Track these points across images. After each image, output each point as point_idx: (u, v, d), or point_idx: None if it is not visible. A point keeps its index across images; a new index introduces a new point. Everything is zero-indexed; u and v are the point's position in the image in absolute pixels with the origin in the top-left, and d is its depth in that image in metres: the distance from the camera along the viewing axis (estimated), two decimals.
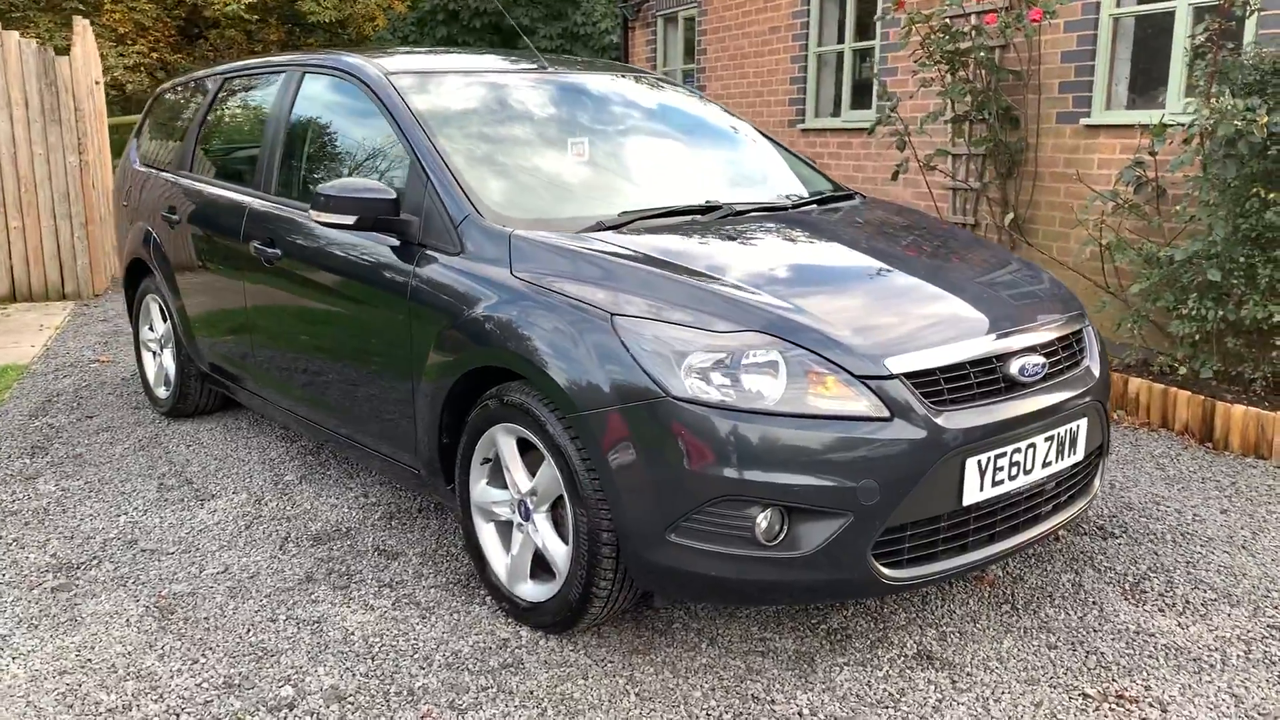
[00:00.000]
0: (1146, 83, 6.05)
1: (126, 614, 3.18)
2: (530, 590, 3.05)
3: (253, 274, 4.05)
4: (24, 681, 2.83)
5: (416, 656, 2.92)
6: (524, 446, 3.03)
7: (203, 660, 2.91)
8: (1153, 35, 5.94)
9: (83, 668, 2.89)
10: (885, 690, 2.74)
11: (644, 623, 3.09)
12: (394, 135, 3.57)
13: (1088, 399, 3.04)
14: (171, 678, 2.83)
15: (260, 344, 4.12)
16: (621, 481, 2.66)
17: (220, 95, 4.77)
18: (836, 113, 8.61)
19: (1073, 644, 2.96)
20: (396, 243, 3.37)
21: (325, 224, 3.34)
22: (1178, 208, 5.00)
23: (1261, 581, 3.32)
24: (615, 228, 3.24)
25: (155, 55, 17.31)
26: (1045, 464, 2.91)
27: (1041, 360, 2.89)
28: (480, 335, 3.00)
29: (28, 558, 3.58)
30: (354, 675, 2.83)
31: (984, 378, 2.78)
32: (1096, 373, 3.15)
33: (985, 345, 2.81)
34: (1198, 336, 4.97)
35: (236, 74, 4.74)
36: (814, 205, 3.82)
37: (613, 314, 2.75)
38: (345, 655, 2.93)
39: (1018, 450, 2.80)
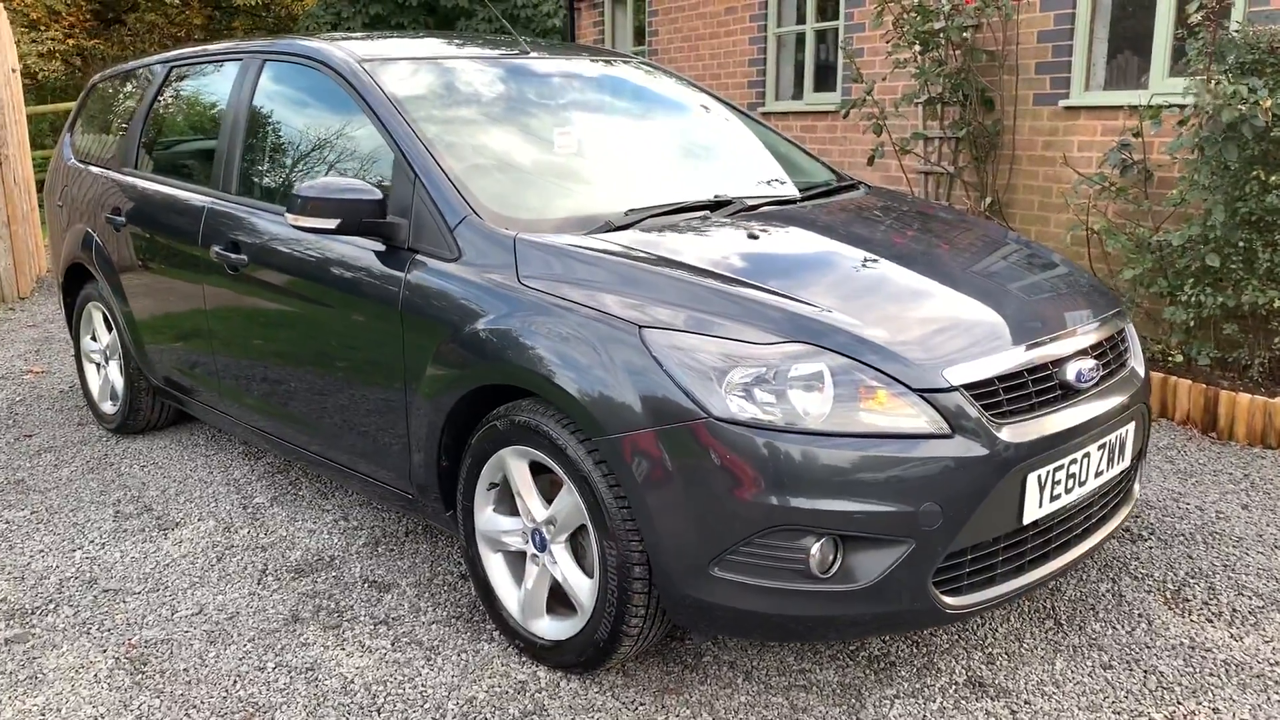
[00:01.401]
0: (1126, 63, 5.92)
1: (94, 668, 2.86)
2: (548, 627, 2.79)
3: (213, 281, 3.71)
4: None
5: (427, 707, 2.65)
6: (536, 469, 2.77)
7: None
8: (1132, 14, 5.81)
9: None
10: None
11: (671, 657, 2.85)
12: (372, 129, 3.26)
13: (1136, 403, 2.86)
14: None
15: (223, 357, 3.78)
16: (658, 511, 2.41)
17: (166, 86, 4.39)
18: (799, 95, 8.40)
19: (1128, 663, 2.79)
20: (382, 248, 3.07)
21: (304, 229, 3.02)
22: (1174, 190, 4.87)
23: None
24: (624, 227, 2.98)
25: (71, 41, 16.51)
26: (1098, 474, 2.73)
27: (1095, 364, 2.70)
28: (486, 350, 2.72)
29: None
30: None
31: (1041, 385, 2.58)
32: (1141, 373, 2.98)
33: (1042, 351, 2.61)
34: (1192, 323, 4.86)
35: (184, 62, 4.36)
36: (822, 197, 3.59)
37: (641, 325, 2.49)
38: (347, 709, 2.65)
39: (1074, 461, 2.61)
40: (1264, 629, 2.95)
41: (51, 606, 3.19)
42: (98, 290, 4.62)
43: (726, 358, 2.40)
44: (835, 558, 2.37)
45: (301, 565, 3.42)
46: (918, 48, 6.27)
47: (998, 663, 2.80)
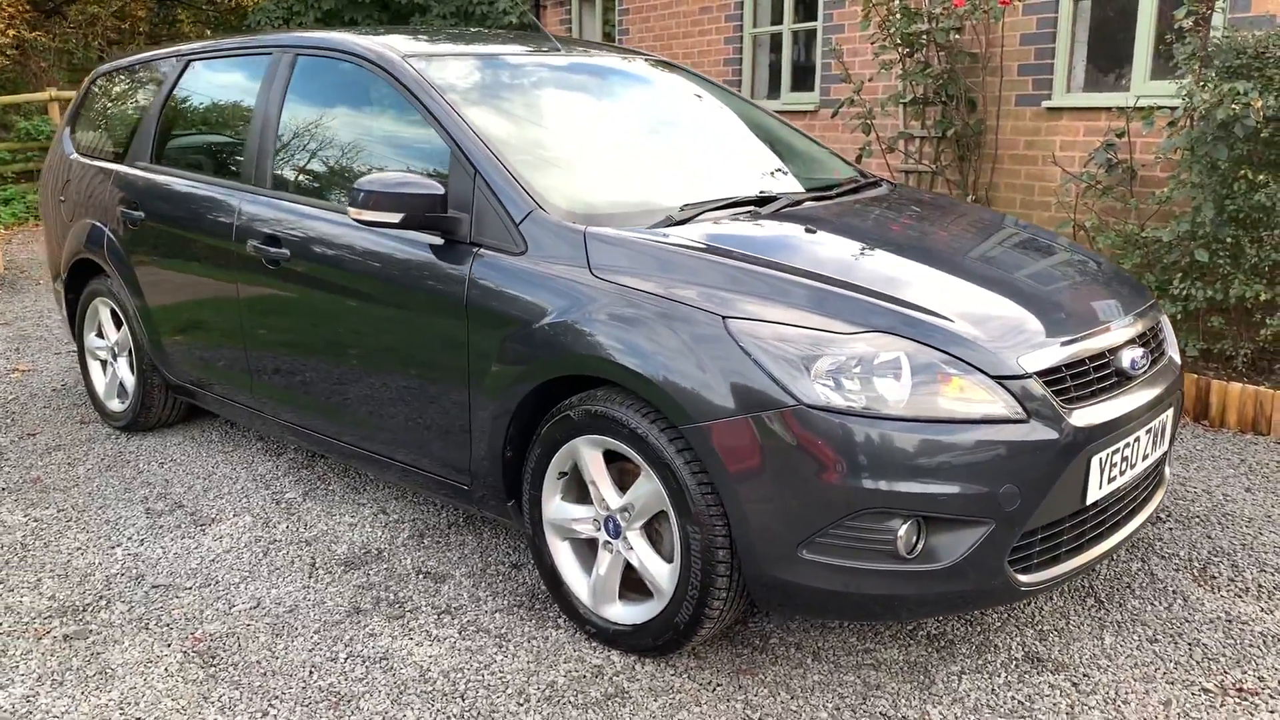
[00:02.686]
0: (1107, 65, 6.14)
1: (163, 661, 2.85)
2: (621, 612, 2.85)
3: (249, 275, 3.70)
4: None
5: (510, 692, 2.69)
6: (608, 457, 2.83)
7: (273, 712, 2.62)
8: (1112, 18, 6.03)
9: None
10: (1013, 698, 2.66)
11: (739, 640, 2.93)
12: (421, 124, 3.29)
13: (1175, 390, 3.01)
14: None
15: (258, 350, 3.77)
16: (746, 496, 2.49)
17: (183, 79, 4.34)
18: (775, 95, 8.53)
19: (1172, 636, 2.93)
20: (440, 241, 3.11)
21: (366, 222, 3.04)
22: (1164, 189, 5.07)
23: None
24: (682, 222, 3.05)
25: (12, 33, 16.05)
26: (1145, 457, 2.87)
27: (1144, 352, 2.84)
28: (562, 342, 2.78)
29: (22, 601, 3.19)
30: (448, 717, 2.59)
31: (1101, 373, 2.71)
32: (1177, 361, 3.13)
33: (1101, 340, 2.74)
34: (1180, 316, 5.06)
35: (202, 55, 4.32)
36: (852, 193, 3.69)
37: (725, 316, 2.56)
38: (431, 696, 2.68)
39: (1128, 445, 2.75)
40: None
41: (103, 603, 3.17)
42: (107, 285, 4.56)
43: (813, 346, 2.48)
44: (919, 539, 2.47)
45: (350, 558, 3.43)
46: (903, 49, 6.43)
47: (1050, 639, 2.93)
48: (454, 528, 3.65)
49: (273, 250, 3.56)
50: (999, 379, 2.50)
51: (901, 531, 2.44)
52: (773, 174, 3.79)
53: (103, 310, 4.70)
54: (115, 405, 4.73)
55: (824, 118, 7.65)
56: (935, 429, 2.43)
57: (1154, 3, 5.65)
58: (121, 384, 4.69)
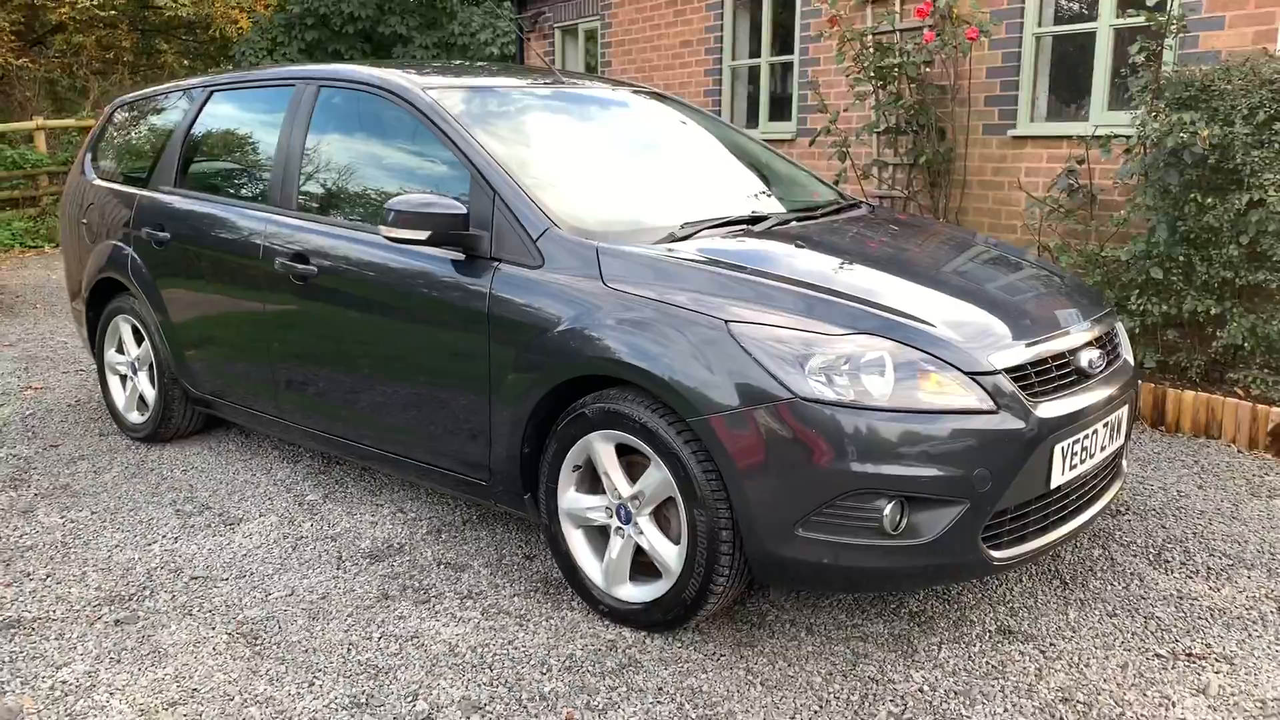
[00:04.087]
0: (1067, 96, 6.53)
1: (211, 642, 3.10)
2: (632, 592, 3.13)
3: (276, 291, 3.97)
4: (134, 717, 2.73)
5: (533, 663, 2.96)
6: (618, 450, 3.12)
7: (318, 683, 2.88)
8: (1072, 53, 6.43)
9: (193, 697, 2.81)
10: (987, 663, 2.95)
11: (739, 617, 3.21)
12: (441, 149, 3.58)
13: (1129, 389, 3.34)
14: (293, 701, 2.79)
15: (284, 362, 4.03)
16: (748, 480, 2.78)
17: (206, 109, 4.62)
18: (754, 124, 8.90)
19: (1130, 611, 3.25)
20: (461, 257, 3.40)
21: (396, 240, 3.34)
22: (1121, 212, 5.44)
23: (1263, 547, 3.70)
24: (684, 238, 3.36)
25: None
26: (1103, 448, 3.19)
27: (1100, 353, 3.17)
28: (578, 346, 3.07)
29: (70, 592, 3.42)
30: (479, 685, 2.86)
31: (1061, 371, 3.04)
32: (1131, 363, 3.46)
33: (1062, 342, 3.07)
34: (1138, 330, 5.42)
35: (224, 87, 4.61)
36: (835, 214, 4.01)
37: (727, 320, 2.87)
38: (461, 667, 2.95)
39: (1087, 436, 3.06)
40: (1236, 582, 3.44)
41: (147, 593, 3.41)
42: (130, 304, 4.81)
43: (806, 346, 2.79)
44: (902, 517, 2.77)
45: (374, 551, 3.69)
46: (877, 81, 6.80)
47: (1020, 614, 3.23)
48: (469, 523, 3.92)
49: (300, 267, 3.84)
50: (972, 375, 2.81)
51: (887, 510, 2.74)
52: (762, 196, 4.11)
53: (124, 327, 4.94)
54: (135, 417, 4.97)
55: (801, 145, 8.01)
56: (916, 419, 2.74)
57: (1110, 39, 6.05)
58: (141, 397, 4.92)
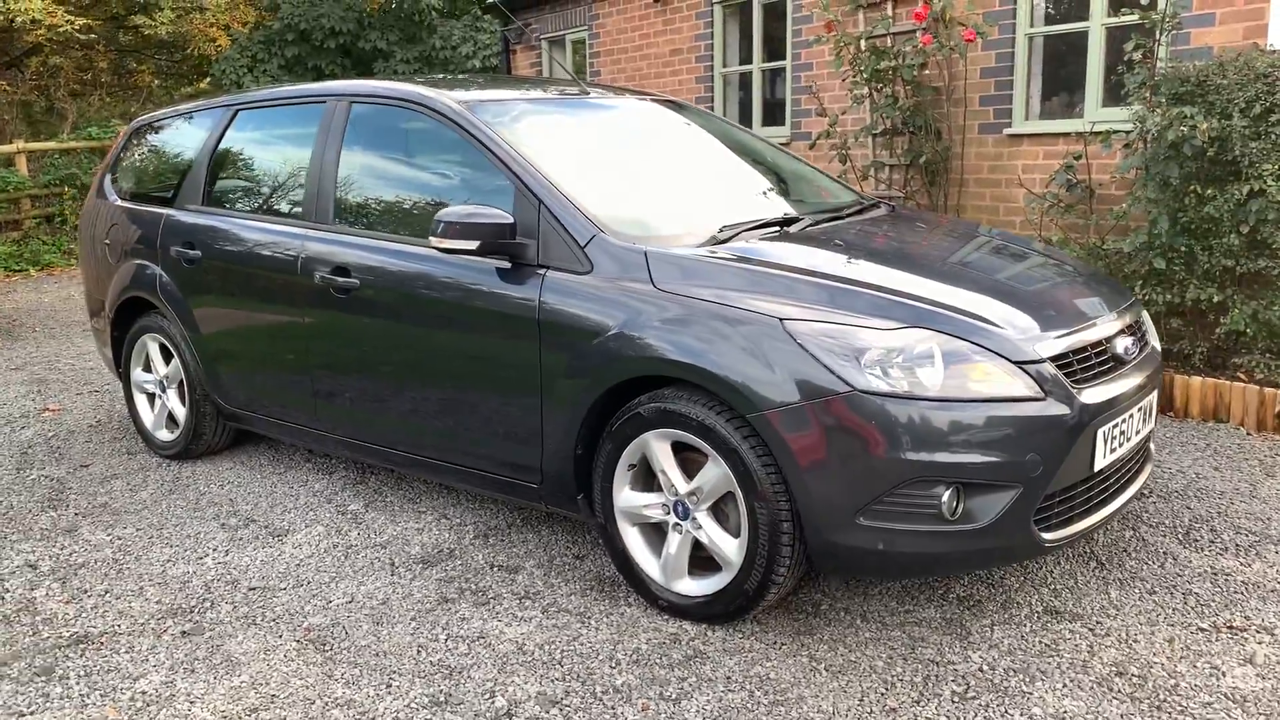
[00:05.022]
0: (1061, 94, 6.70)
1: (281, 649, 3.16)
2: (692, 586, 3.21)
3: (315, 305, 4.03)
4: None
5: (601, 658, 3.05)
6: (674, 448, 3.21)
7: (395, 684, 2.95)
8: (1064, 52, 6.59)
9: (273, 703, 2.87)
10: (1040, 642, 3.06)
11: (794, 608, 3.31)
12: (480, 160, 3.66)
13: (1157, 375, 3.47)
14: (374, 702, 2.86)
15: (324, 375, 4.09)
16: (810, 472, 2.88)
17: (231, 127, 4.68)
18: (747, 129, 9.01)
19: (1168, 589, 3.37)
20: (508, 265, 3.48)
21: (446, 250, 3.42)
22: (1123, 205, 5.59)
23: None
24: (724, 241, 3.46)
25: None
26: (1137, 432, 3.31)
27: (1134, 340, 3.29)
28: (635, 349, 3.15)
29: (131, 606, 3.47)
30: (553, 681, 2.94)
31: (1100, 358, 3.16)
32: (1159, 350, 3.59)
33: (1100, 330, 3.19)
34: None
35: (249, 105, 4.67)
36: (860, 214, 4.13)
37: (782, 319, 2.96)
38: (532, 664, 3.02)
39: (1125, 420, 3.19)
40: (1265, 557, 3.57)
41: (208, 605, 3.47)
42: (158, 322, 4.85)
43: (861, 341, 2.89)
44: (958, 503, 2.87)
45: (425, 557, 3.76)
46: (874, 84, 6.94)
47: (1063, 595, 3.35)
48: (513, 527, 4.00)
49: (341, 280, 3.90)
50: (1019, 364, 2.93)
51: (945, 497, 2.84)
52: (790, 199, 4.22)
53: (151, 345, 4.98)
54: (164, 435, 5.00)
55: (796, 150, 8.14)
56: (969, 408, 2.85)
57: (1102, 37, 6.21)
58: (170, 415, 4.96)
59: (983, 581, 3.44)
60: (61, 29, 14.46)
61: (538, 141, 3.76)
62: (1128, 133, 5.49)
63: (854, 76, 6.99)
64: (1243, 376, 5.23)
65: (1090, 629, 3.13)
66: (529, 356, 3.41)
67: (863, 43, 6.94)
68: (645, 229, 3.48)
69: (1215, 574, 3.45)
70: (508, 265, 3.48)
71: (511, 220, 3.40)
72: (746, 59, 8.96)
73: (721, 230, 3.53)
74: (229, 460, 4.95)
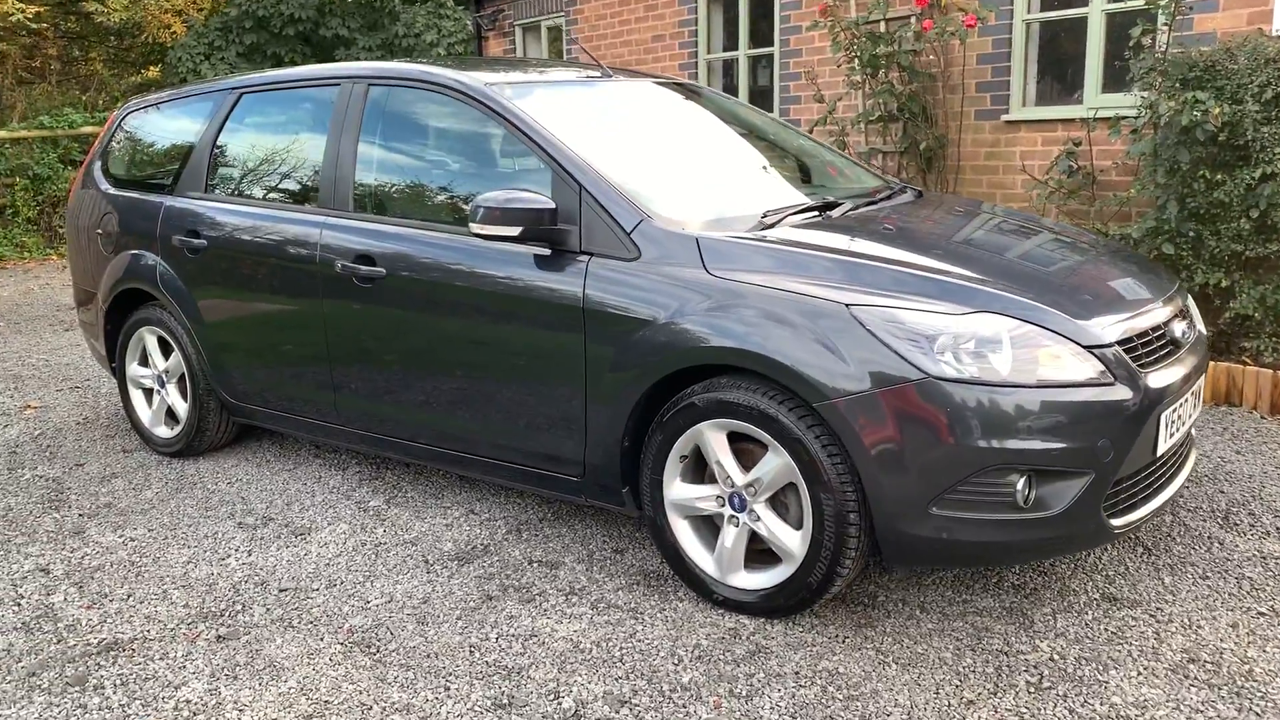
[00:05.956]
0: (1059, 80, 6.70)
1: (325, 652, 3.03)
2: (749, 579, 3.13)
3: (336, 295, 3.88)
4: None
5: (662, 655, 2.96)
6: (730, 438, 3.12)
7: (453, 687, 2.83)
8: (1062, 37, 6.59)
9: (327, 709, 2.75)
10: (1105, 630, 3.02)
11: (851, 601, 3.24)
12: (516, 145, 3.55)
13: (1205, 359, 3.45)
14: (435, 707, 2.74)
15: (345, 367, 3.95)
16: (881, 462, 2.81)
17: (235, 111, 4.50)
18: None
19: (1220, 573, 3.35)
20: (548, 252, 3.36)
21: (486, 236, 3.30)
22: (1130, 191, 5.59)
23: None
24: (770, 225, 3.37)
25: None
26: (1190, 416, 3.28)
27: (1188, 323, 3.26)
28: (687, 337, 3.06)
29: (158, 610, 3.32)
30: (617, 679, 2.84)
31: (1160, 342, 3.12)
32: (1205, 334, 3.57)
33: (1158, 314, 3.15)
34: None
35: (254, 88, 4.49)
36: (891, 198, 4.06)
37: (848, 304, 2.89)
38: (592, 663, 2.93)
39: (1182, 404, 3.16)
40: None
41: (239, 607, 3.32)
42: (157, 314, 4.66)
43: (931, 326, 2.82)
44: (1030, 491, 2.82)
45: (459, 554, 3.64)
46: (868, 70, 6.89)
47: (1118, 582, 3.31)
48: (545, 521, 3.89)
49: (365, 269, 3.76)
50: (1088, 348, 2.88)
51: (1019, 485, 2.79)
52: (824, 183, 4.15)
53: (149, 339, 4.79)
54: (163, 432, 4.82)
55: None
56: (1040, 393, 2.79)
57: (1102, 22, 6.21)
58: (170, 410, 4.78)
59: (1035, 569, 3.40)
60: (13, 17, 13.96)
61: (574, 125, 3.65)
62: (1135, 118, 5.49)
63: (849, 62, 6.93)
64: (1249, 360, 5.26)
65: (1152, 615, 3.10)
66: (572, 346, 3.31)
67: (858, 28, 6.88)
68: (690, 214, 3.38)
69: (1264, 558, 3.44)
70: (547, 252, 3.37)
71: (553, 206, 3.29)
72: (733, 45, 8.88)
73: (765, 215, 3.45)
74: (233, 457, 4.78)
